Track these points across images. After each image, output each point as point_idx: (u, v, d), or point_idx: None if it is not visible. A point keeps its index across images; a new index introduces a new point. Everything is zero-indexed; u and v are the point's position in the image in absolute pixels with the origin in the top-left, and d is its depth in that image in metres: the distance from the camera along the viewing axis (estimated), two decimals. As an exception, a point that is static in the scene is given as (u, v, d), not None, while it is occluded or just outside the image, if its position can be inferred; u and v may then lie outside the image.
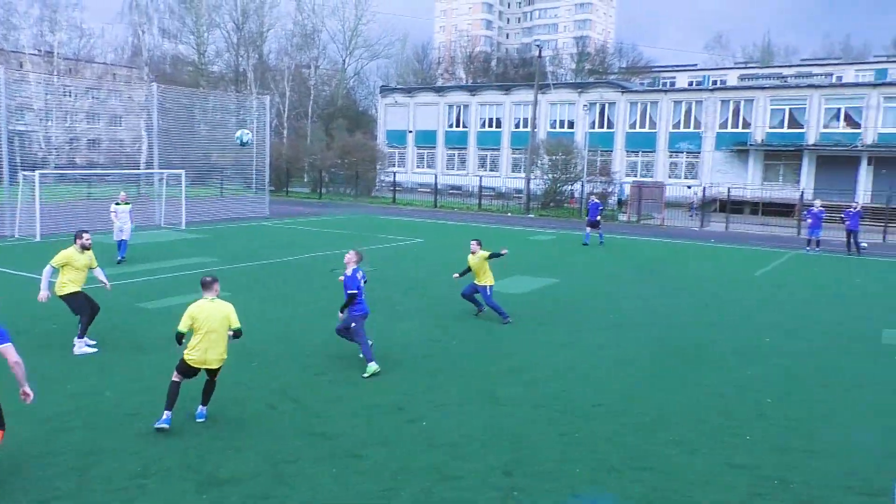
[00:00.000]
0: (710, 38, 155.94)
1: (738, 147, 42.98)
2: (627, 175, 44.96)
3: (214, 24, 62.42)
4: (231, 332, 7.28)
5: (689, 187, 40.16)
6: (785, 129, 42.13)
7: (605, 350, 10.56)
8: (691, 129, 45.21)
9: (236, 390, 8.15)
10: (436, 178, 43.40)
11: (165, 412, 7.01)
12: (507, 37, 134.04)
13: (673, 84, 62.61)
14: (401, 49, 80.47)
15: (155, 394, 7.67)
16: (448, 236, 25.51)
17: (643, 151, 46.93)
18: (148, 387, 8.17)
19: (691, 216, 35.40)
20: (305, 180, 50.91)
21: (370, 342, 9.25)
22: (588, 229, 24.18)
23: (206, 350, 7.09)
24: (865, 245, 24.36)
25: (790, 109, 42.13)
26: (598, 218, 24.17)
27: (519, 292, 14.81)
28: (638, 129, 47.10)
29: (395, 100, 56.23)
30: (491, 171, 52.03)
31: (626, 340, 11.13)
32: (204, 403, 7.40)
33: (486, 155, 52.64)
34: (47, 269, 9.66)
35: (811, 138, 40.85)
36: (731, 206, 34.30)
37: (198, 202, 29.17)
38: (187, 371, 7.19)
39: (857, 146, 39.12)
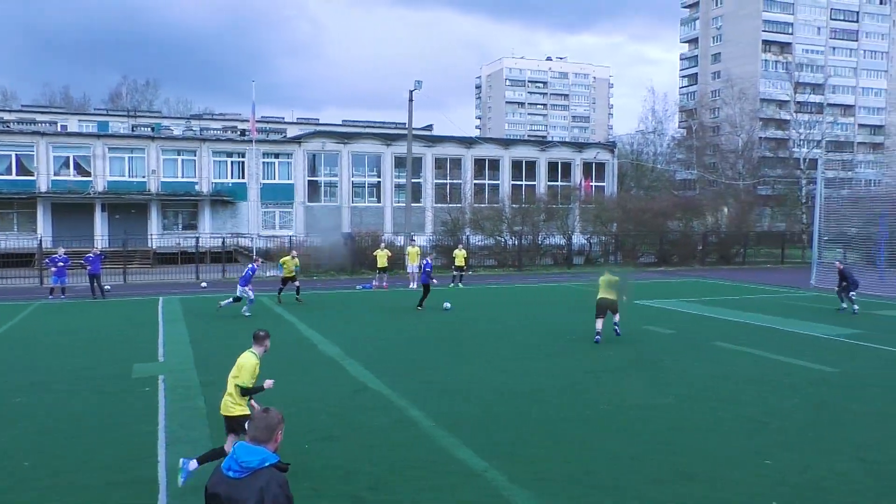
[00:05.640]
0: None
1: (-38, 195, 38.64)
2: None
3: None
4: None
5: None
6: (15, 176, 40.15)
7: None
8: None
9: None
10: None
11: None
12: None
13: None
14: None
15: None
16: None
17: None
18: None
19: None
20: None
21: None
22: None
23: None
24: (108, 287, 25.40)
25: (17, 155, 40.42)
26: None
27: None
28: None
29: None
30: None
31: None
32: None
33: None
34: None
35: (43, 185, 40.14)
36: (-39, 261, 30.54)
37: None
38: None
39: (90, 193, 40.47)
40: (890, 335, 16.68)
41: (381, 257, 27.68)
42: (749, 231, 44.64)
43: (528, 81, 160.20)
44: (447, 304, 20.71)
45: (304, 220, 44.49)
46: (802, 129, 67.42)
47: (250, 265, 20.76)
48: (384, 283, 27.55)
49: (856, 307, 20.18)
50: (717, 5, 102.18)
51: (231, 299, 19.93)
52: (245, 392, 7.18)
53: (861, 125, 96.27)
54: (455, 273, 28.47)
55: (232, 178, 44.00)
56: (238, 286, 19.85)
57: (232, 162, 44.32)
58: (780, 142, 73.50)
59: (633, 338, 16.09)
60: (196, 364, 13.16)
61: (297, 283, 22.14)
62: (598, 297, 15.40)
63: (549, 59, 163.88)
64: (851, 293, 20.40)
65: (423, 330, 17.52)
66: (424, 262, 21.93)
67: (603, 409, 10.12)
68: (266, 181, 44.25)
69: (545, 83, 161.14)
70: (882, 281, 26.76)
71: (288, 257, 22.64)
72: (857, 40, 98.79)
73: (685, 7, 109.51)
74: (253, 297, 19.74)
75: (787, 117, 74.66)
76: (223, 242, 35.20)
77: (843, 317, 19.63)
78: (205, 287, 27.89)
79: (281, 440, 3.73)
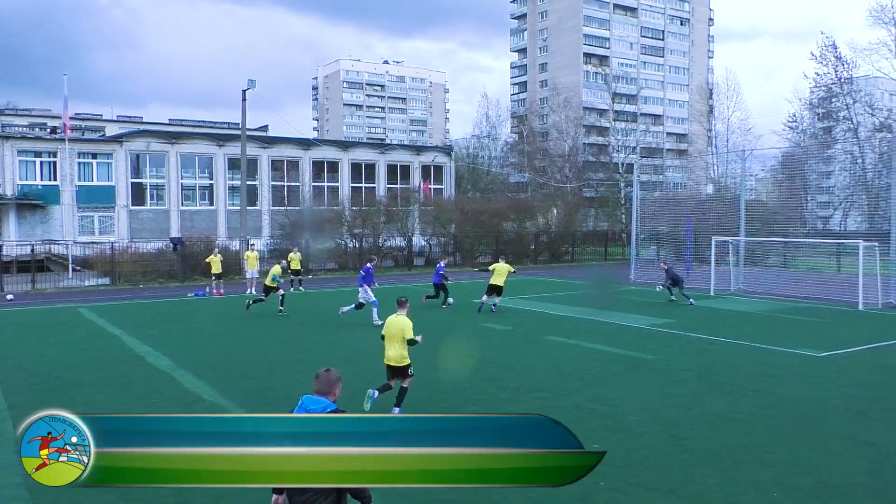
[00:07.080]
0: None
1: None
2: None
3: None
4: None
5: None
6: None
7: None
8: None
9: None
10: None
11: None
12: None
13: None
14: None
15: None
16: None
17: None
18: None
19: None
20: None
21: None
22: None
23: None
24: None
25: None
26: None
27: None
28: None
29: None
30: None
31: None
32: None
33: None
34: None
35: None
36: None
37: None
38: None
39: None
40: (699, 324, 18.50)
41: (215, 263, 26.45)
42: (576, 231, 47.67)
43: (366, 84, 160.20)
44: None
45: (127, 225, 41.45)
46: (620, 135, 73.13)
47: (367, 265, 19.67)
48: (220, 290, 26.37)
49: (692, 300, 22.18)
50: (542, 18, 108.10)
51: (353, 306, 18.56)
52: (413, 343, 9.51)
53: (668, 133, 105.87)
54: (293, 278, 27.80)
55: (42, 179, 40.01)
56: (361, 292, 18.53)
57: (41, 162, 40.29)
58: (601, 147, 79.12)
59: (471, 335, 16.58)
60: (1, 385, 11.81)
61: (281, 293, 20.91)
62: (492, 281, 19.54)
63: (385, 62, 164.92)
64: (683, 288, 22.43)
65: (259, 336, 16.95)
66: (438, 265, 22.15)
67: (442, 407, 10.32)
68: (82, 183, 40.70)
69: (383, 86, 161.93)
70: (689, 274, 29.58)
71: (277, 265, 21.62)
72: (663, 56, 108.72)
73: (514, 18, 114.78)
74: (375, 298, 18.44)
75: (607, 125, 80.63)
76: (32, 250, 31.92)
77: (659, 308, 21.49)
78: (11, 300, 25.17)
79: (339, 394, 4.91)
